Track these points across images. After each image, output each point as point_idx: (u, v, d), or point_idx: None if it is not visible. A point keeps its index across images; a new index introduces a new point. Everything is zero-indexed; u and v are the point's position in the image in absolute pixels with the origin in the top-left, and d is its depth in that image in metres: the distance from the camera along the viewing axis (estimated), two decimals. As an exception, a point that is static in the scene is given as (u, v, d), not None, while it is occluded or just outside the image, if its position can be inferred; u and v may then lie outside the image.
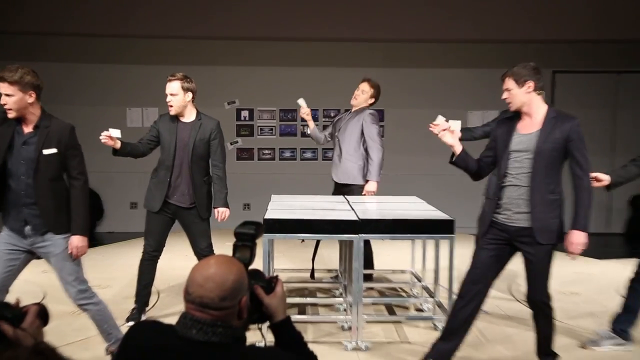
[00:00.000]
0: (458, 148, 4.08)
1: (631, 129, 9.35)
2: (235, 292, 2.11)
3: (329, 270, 6.56)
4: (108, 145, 4.70)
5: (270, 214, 4.83)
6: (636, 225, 9.16)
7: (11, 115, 3.54)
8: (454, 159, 4.15)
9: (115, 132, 4.49)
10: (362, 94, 5.99)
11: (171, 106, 4.75)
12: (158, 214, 4.83)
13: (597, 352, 4.62)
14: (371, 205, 5.61)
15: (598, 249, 8.04)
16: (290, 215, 4.94)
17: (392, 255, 7.00)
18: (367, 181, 5.98)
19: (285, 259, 7.18)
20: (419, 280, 5.98)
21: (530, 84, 3.79)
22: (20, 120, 3.59)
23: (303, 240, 6.01)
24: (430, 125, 4.29)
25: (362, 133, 5.95)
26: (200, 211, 4.93)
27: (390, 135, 9.16)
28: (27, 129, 3.61)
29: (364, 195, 5.94)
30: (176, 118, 4.81)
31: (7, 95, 3.48)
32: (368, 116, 5.93)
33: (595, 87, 9.21)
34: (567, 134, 3.70)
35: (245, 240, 2.64)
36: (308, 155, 9.37)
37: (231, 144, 9.33)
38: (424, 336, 4.79)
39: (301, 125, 9.26)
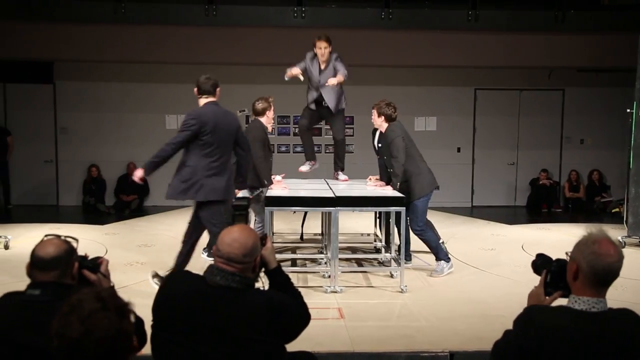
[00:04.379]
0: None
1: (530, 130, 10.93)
2: (253, 252, 2.33)
3: (314, 234, 7.24)
4: None
5: (271, 193, 5.59)
6: (533, 199, 10.54)
7: None
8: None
9: None
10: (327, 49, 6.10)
11: None
12: None
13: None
14: (344, 186, 6.22)
15: (508, 217, 9.14)
16: (285, 193, 5.68)
17: (359, 223, 7.69)
18: None
19: (282, 226, 7.72)
20: (380, 241, 6.72)
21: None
22: None
23: (295, 212, 6.73)
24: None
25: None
26: None
27: (361, 136, 10.24)
28: None
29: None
30: None
31: None
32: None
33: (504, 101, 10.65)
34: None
35: (242, 210, 3.32)
36: (299, 149, 9.98)
37: None
38: (384, 281, 5.53)
39: (293, 127, 10.37)
